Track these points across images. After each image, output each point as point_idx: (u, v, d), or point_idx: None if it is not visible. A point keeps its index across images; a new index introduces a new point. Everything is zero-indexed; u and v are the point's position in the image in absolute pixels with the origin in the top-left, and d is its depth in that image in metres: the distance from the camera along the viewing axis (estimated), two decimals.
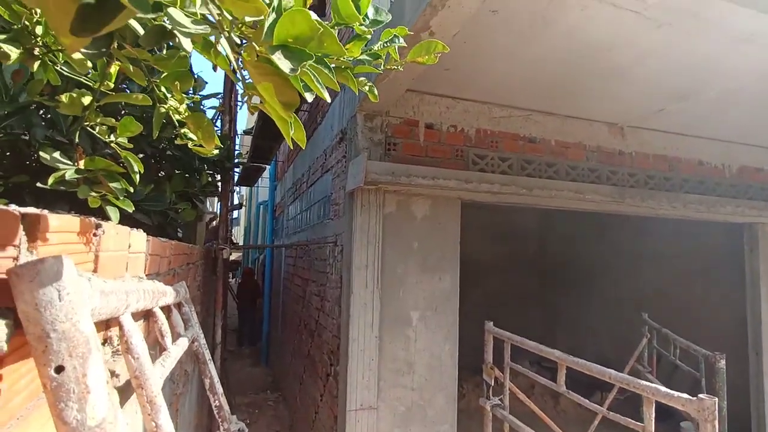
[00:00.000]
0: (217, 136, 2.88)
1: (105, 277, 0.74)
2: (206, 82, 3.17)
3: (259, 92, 0.53)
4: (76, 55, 0.76)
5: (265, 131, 5.98)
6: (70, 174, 0.79)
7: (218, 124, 4.59)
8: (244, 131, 8.07)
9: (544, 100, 3.55)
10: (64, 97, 0.75)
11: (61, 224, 0.59)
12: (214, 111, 4.78)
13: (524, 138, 3.69)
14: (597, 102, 3.51)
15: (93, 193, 0.85)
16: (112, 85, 0.90)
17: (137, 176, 0.97)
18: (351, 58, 0.66)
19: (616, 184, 3.90)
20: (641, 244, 6.83)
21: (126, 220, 2.19)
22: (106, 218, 0.99)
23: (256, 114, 5.74)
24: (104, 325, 0.70)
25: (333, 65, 0.66)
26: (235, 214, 27.04)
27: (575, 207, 3.75)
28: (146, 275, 1.15)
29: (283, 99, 0.53)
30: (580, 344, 7.32)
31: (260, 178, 11.32)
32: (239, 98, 5.34)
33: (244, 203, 21.24)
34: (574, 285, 8.30)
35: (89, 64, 0.82)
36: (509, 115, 3.64)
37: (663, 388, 1.53)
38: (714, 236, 5.45)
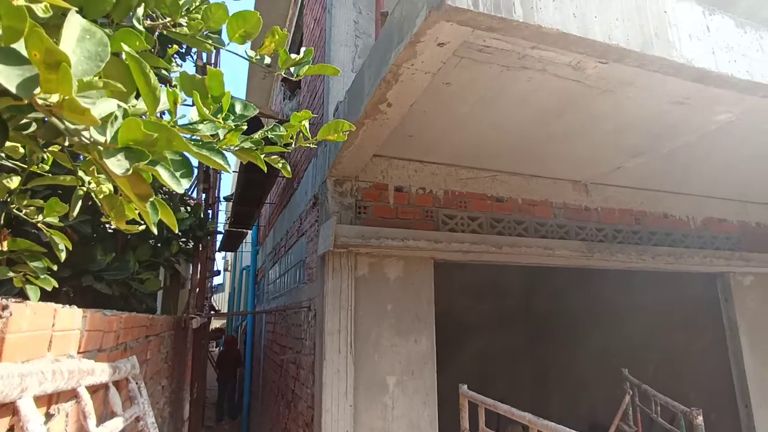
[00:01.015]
0: (190, 205, 2.92)
1: (15, 359, 0.73)
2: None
3: (120, 187, 0.57)
4: (8, 143, 0.80)
5: (245, 198, 6.06)
6: None
7: (194, 194, 4.65)
8: (224, 198, 8.16)
9: (507, 161, 3.70)
10: None
11: None
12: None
13: (492, 197, 3.81)
14: (558, 162, 3.68)
15: (11, 274, 0.85)
16: (47, 167, 0.94)
17: (63, 254, 0.98)
18: (234, 146, 0.71)
19: (584, 239, 3.98)
20: (624, 297, 6.85)
21: (86, 291, 2.16)
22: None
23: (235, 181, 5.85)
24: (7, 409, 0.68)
25: (235, 146, 0.71)
26: (220, 279, 26.56)
27: (546, 263, 3.80)
28: (82, 353, 1.13)
29: (138, 192, 0.58)
30: (573, 400, 7.09)
31: (243, 243, 11.28)
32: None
33: (229, 268, 20.97)
34: (561, 340, 8.16)
35: (21, 150, 0.86)
36: (476, 177, 3.78)
37: None
38: (693, 286, 5.50)
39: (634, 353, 6.17)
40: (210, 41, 0.75)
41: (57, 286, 1.04)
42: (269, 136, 0.77)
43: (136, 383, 1.53)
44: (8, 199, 0.84)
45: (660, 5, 2.03)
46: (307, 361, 3.67)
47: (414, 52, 1.98)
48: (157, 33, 0.72)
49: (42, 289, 1.05)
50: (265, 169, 0.79)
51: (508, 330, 8.86)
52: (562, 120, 2.93)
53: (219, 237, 9.97)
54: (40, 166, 0.89)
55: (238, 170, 5.24)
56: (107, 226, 2.37)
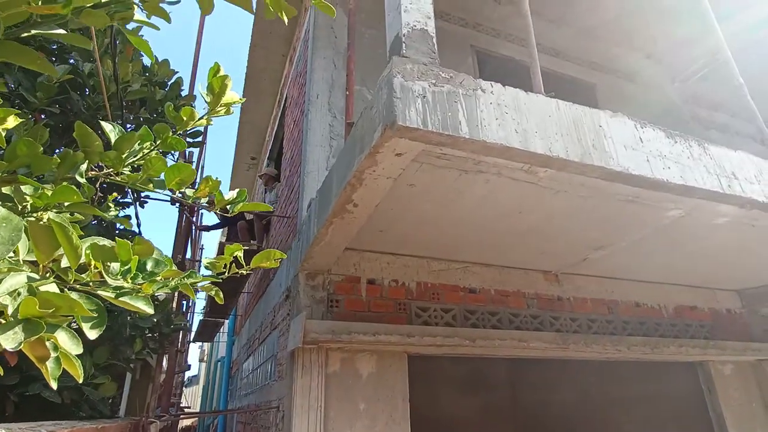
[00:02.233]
0: (157, 302, 2.89)
1: None
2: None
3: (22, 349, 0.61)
4: None
5: (221, 288, 5.98)
6: None
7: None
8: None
9: (477, 254, 3.81)
10: None
11: None
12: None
13: (465, 289, 3.85)
14: (526, 254, 3.79)
15: None
16: None
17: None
18: (151, 293, 0.77)
19: (559, 329, 3.99)
20: (612, 388, 6.64)
21: (33, 398, 2.06)
22: None
23: None
24: None
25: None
26: (195, 371, 25.09)
27: (521, 355, 3.76)
28: None
29: (37, 354, 0.62)
30: None
31: (220, 333, 10.90)
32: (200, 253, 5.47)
33: (205, 359, 19.95)
34: None
35: None
36: (447, 268, 3.85)
37: None
38: (677, 376, 5.40)
39: None
40: (151, 184, 0.83)
41: None
42: (204, 266, 0.84)
43: None
44: None
45: (595, 120, 2.27)
46: None
47: (375, 160, 2.14)
48: (99, 182, 0.81)
49: None
50: (194, 297, 0.84)
51: (493, 425, 8.41)
52: (523, 217, 3.08)
53: (195, 326, 9.64)
54: None
55: None
56: None
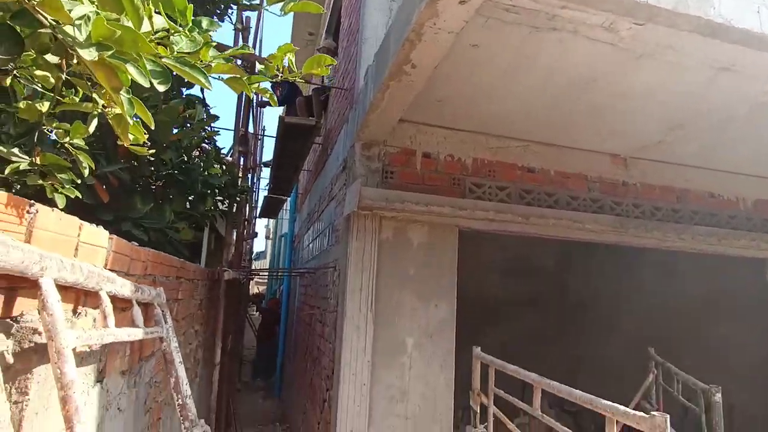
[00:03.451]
0: (224, 164, 3.08)
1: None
2: (217, 117, 3.43)
3: (98, 79, 0.65)
4: (39, 72, 0.92)
5: (282, 164, 6.24)
6: (23, 166, 0.93)
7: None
8: (263, 163, 8.41)
9: (540, 132, 3.61)
10: (22, 104, 0.90)
11: None
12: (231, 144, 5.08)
13: (522, 168, 3.74)
14: (594, 135, 3.55)
15: (41, 181, 0.98)
16: (77, 99, 1.05)
17: (86, 170, 1.10)
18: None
19: (619, 214, 3.86)
20: (667, 283, 6.58)
21: (122, 235, 2.37)
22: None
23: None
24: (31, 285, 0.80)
25: (225, 76, 0.78)
26: (262, 247, 27.54)
27: (576, 237, 3.72)
28: (108, 269, 1.27)
29: (111, 84, 0.66)
30: (601, 385, 6.97)
31: (283, 211, 11.66)
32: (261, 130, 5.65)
33: (270, 236, 21.71)
34: (595, 325, 7.98)
35: (52, 80, 0.97)
36: (506, 146, 3.72)
37: (622, 408, 1.51)
38: (739, 273, 5.21)
39: (672, 341, 5.96)
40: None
41: (81, 196, 1.18)
42: (257, 71, 0.84)
43: (162, 311, 1.68)
44: (40, 122, 0.96)
45: None
46: (330, 319, 3.83)
47: (435, 10, 1.97)
48: None
49: None
50: (251, 94, 0.86)
51: (538, 310, 8.73)
52: (597, 88, 2.82)
53: (260, 204, 10.35)
54: (68, 96, 1.00)
55: (275, 137, 5.40)
56: (146, 177, 2.55)
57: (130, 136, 0.90)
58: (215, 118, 3.26)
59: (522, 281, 8.73)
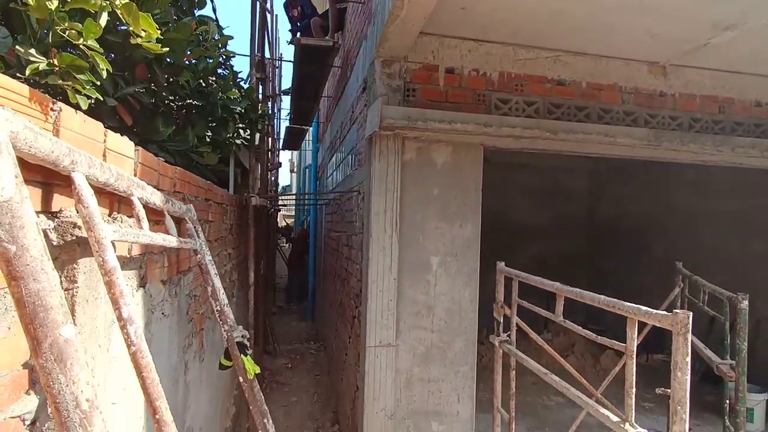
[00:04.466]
0: (243, 88, 3.02)
1: None
2: (231, 37, 3.30)
3: None
4: None
5: (301, 92, 6.10)
6: (42, 66, 0.93)
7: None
8: (282, 91, 8.23)
9: (573, 38, 3.36)
10: (31, 1, 0.87)
11: (6, 83, 0.71)
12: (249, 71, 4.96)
13: (552, 80, 3.54)
14: (631, 39, 3.28)
15: (60, 81, 0.98)
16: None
17: (104, 72, 1.10)
18: None
19: (654, 127, 3.67)
20: (698, 202, 6.38)
21: None
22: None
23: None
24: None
25: None
26: (287, 181, 27.88)
27: (607, 153, 3.58)
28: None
29: None
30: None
31: (305, 142, 11.61)
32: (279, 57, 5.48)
33: (295, 170, 21.88)
34: (623, 247, 7.95)
35: None
36: (535, 57, 3.50)
37: (644, 308, 1.52)
38: None
39: (701, 259, 5.89)
40: None
41: (102, 98, 1.19)
42: None
43: (194, 226, 1.74)
44: (52, 20, 0.94)
45: None
46: (357, 241, 3.92)
47: None
48: None
49: None
50: None
51: (568, 235, 8.73)
52: None
53: (282, 135, 10.32)
54: None
55: (293, 62, 5.22)
56: (166, 101, 2.54)
57: (142, 32, 0.87)
58: (229, 38, 3.15)
59: (551, 205, 8.68)
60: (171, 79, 2.43)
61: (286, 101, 9.39)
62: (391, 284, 3.33)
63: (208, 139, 3.00)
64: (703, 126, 3.79)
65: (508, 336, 2.65)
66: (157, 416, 0.81)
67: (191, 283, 2.06)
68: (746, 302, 2.33)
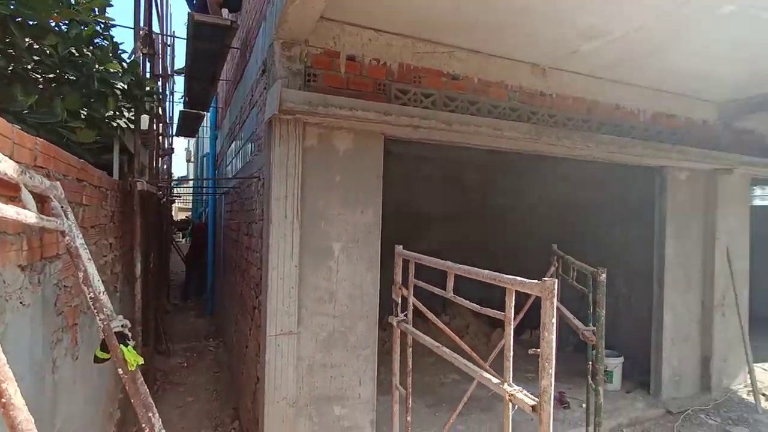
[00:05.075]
0: (125, 62, 2.74)
1: None
2: (109, 2, 2.97)
3: None
4: None
5: (196, 72, 5.70)
6: None
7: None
8: (175, 71, 7.64)
9: (467, 36, 3.58)
10: None
11: None
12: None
13: (448, 75, 3.74)
14: (517, 39, 3.58)
15: None
16: None
17: None
18: None
19: (535, 123, 4.05)
20: (573, 193, 7.21)
21: None
22: None
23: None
24: None
25: None
26: (184, 171, 26.00)
27: (495, 145, 3.88)
28: None
29: None
30: None
31: (203, 128, 10.92)
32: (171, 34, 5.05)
33: (192, 159, 20.50)
34: (513, 233, 8.71)
35: None
36: (433, 51, 3.66)
37: (519, 279, 1.69)
38: (636, 182, 5.79)
39: (576, 242, 6.67)
40: None
41: None
42: None
43: (61, 206, 1.56)
44: None
45: None
46: (257, 229, 3.81)
47: None
48: None
49: None
50: None
51: (466, 223, 9.34)
52: None
53: (176, 120, 9.57)
54: None
55: (186, 39, 4.85)
56: (26, 64, 2.22)
57: None
58: (106, 2, 2.82)
59: (452, 195, 9.24)
60: (33, 43, 2.13)
61: (180, 84, 8.73)
62: (293, 271, 3.29)
63: (83, 116, 2.67)
64: (575, 124, 4.28)
65: (406, 316, 2.77)
66: (3, 400, 0.71)
67: (60, 272, 1.84)
68: (604, 276, 2.70)
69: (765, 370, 6.05)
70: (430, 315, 2.60)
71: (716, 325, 5.34)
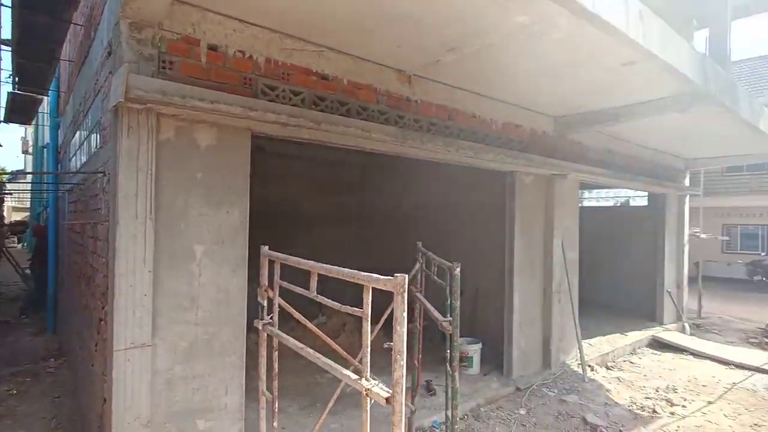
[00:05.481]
0: None
1: None
2: None
3: None
4: None
5: (27, 48, 4.86)
6: None
7: None
8: (1, 41, 6.40)
9: (336, 37, 3.61)
10: None
11: None
12: None
13: (317, 74, 3.74)
14: (384, 46, 3.72)
15: None
16: None
17: None
18: None
19: (402, 127, 4.25)
20: (447, 196, 7.75)
21: None
22: None
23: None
24: None
25: None
26: (20, 164, 22.03)
27: (364, 146, 3.99)
28: None
29: None
30: None
31: (41, 114, 9.38)
32: None
33: (30, 150, 17.53)
34: (387, 232, 9.06)
35: None
36: (302, 48, 3.63)
37: (374, 275, 1.76)
38: (496, 184, 6.41)
39: (442, 242, 7.17)
40: None
41: None
42: None
43: None
44: None
45: None
46: (103, 231, 3.38)
47: None
48: None
49: None
50: None
51: (345, 223, 9.46)
52: None
53: (3, 103, 8.07)
54: None
55: (11, 6, 4.09)
56: None
57: None
58: None
59: (331, 197, 9.29)
60: None
61: (8, 59, 7.35)
62: (146, 276, 2.99)
63: None
64: (438, 130, 4.60)
65: (272, 318, 2.70)
66: None
67: None
68: (458, 270, 2.94)
69: (591, 345, 7.18)
70: (298, 315, 2.56)
71: (554, 309, 6.20)
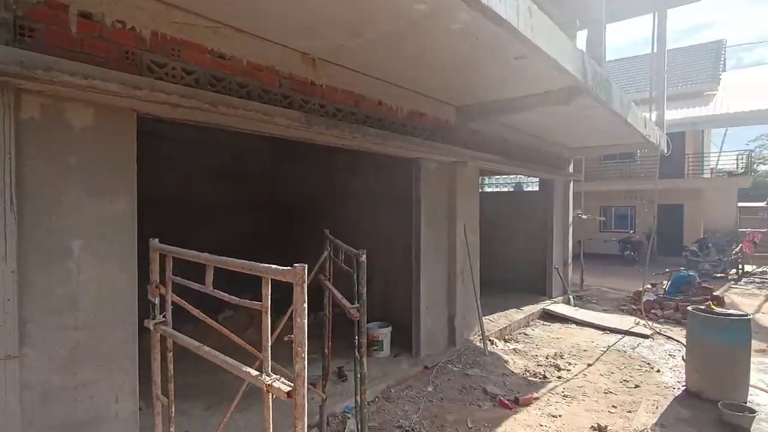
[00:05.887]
0: None
1: None
2: None
3: None
4: None
5: None
6: None
7: None
8: None
9: (230, 13, 3.37)
10: None
11: None
12: None
13: (213, 52, 3.48)
14: (285, 25, 3.56)
15: None
16: None
17: None
18: None
19: (307, 112, 4.14)
20: (352, 182, 7.74)
21: None
22: None
23: None
24: None
25: None
26: None
27: (266, 130, 3.82)
28: None
29: None
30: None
31: None
32: None
33: None
34: (298, 221, 8.87)
35: None
36: (194, 23, 3.34)
37: (273, 267, 1.69)
38: (403, 171, 6.54)
39: (351, 230, 7.19)
40: None
41: None
42: None
43: None
44: None
45: None
46: None
47: None
48: None
49: None
50: None
51: (253, 212, 9.07)
52: None
53: None
54: None
55: None
56: None
57: None
58: None
59: (239, 185, 8.82)
60: None
61: None
62: (8, 278, 2.59)
63: None
64: (344, 115, 4.55)
65: (164, 317, 2.49)
66: None
67: None
68: (364, 257, 2.95)
69: (491, 320, 7.73)
70: (196, 311, 2.39)
71: (458, 290, 6.55)
